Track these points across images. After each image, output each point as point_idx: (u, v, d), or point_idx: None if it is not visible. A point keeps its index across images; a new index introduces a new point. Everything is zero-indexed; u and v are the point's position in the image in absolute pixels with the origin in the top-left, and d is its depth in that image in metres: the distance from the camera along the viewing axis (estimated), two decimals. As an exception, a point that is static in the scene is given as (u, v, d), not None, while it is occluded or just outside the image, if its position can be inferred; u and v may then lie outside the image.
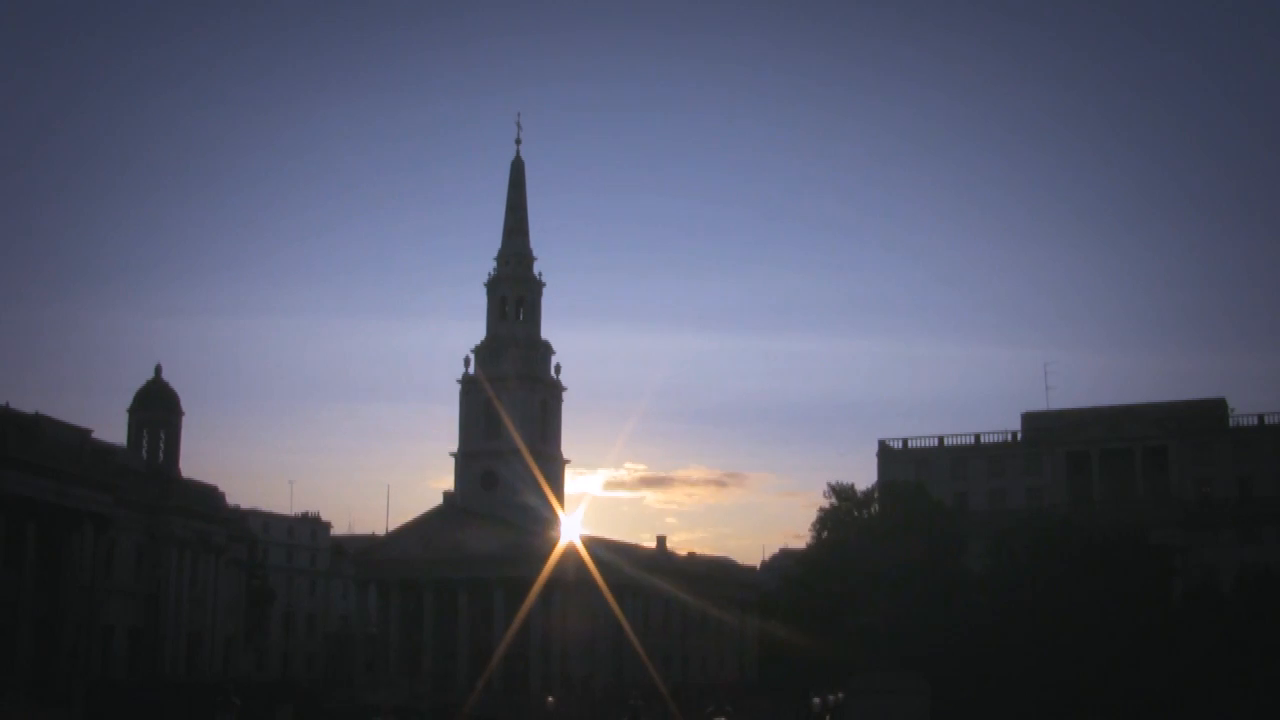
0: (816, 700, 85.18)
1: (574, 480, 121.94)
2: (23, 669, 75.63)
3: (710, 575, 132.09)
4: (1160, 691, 67.30)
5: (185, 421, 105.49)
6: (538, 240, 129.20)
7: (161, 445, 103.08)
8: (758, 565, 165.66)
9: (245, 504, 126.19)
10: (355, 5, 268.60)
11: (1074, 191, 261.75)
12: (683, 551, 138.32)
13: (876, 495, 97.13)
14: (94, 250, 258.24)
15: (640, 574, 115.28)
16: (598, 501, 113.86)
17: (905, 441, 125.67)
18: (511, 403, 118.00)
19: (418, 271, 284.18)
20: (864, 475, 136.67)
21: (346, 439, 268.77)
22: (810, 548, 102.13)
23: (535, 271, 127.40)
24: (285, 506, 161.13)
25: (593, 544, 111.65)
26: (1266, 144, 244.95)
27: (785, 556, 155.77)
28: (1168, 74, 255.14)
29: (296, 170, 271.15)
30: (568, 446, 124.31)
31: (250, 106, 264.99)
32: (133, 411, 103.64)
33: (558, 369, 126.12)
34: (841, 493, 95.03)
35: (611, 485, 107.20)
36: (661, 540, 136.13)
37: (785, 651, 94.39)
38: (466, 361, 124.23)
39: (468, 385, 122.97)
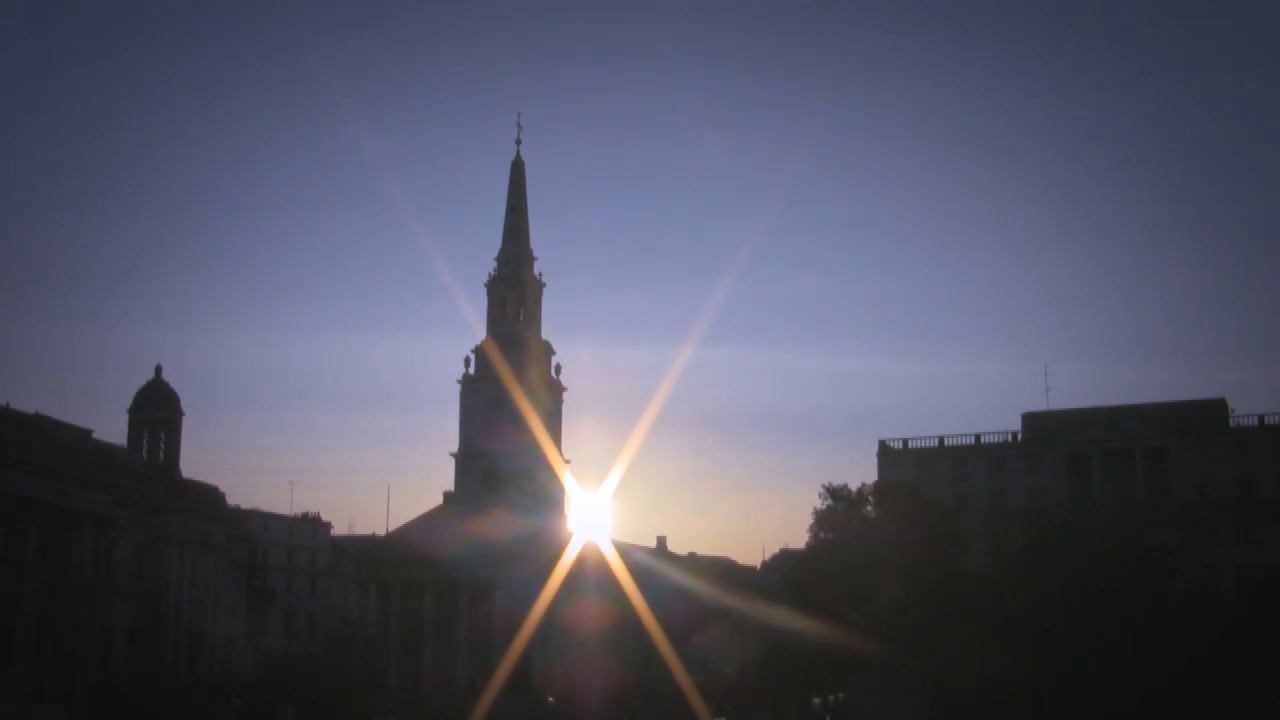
0: (817, 700, 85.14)
1: (574, 480, 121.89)
2: (23, 669, 75.67)
3: (710, 575, 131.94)
4: (1160, 691, 67.24)
5: (185, 422, 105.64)
6: (538, 240, 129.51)
7: (162, 445, 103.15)
8: (758, 565, 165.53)
9: (245, 504, 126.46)
10: (353, 6, 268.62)
11: (1075, 194, 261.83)
12: (683, 551, 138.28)
13: (871, 495, 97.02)
14: (95, 253, 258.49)
15: (641, 574, 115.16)
16: (598, 501, 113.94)
17: (905, 442, 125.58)
18: (511, 403, 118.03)
19: (417, 271, 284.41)
20: (865, 475, 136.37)
21: (347, 438, 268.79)
22: (808, 548, 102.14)
23: (535, 271, 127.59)
24: (285, 506, 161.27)
25: (594, 543, 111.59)
26: (1266, 145, 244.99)
27: (785, 556, 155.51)
28: (1166, 77, 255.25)
29: (295, 170, 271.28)
30: (568, 446, 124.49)
31: (249, 109, 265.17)
32: (133, 411, 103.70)
33: (558, 369, 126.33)
34: (837, 493, 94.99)
35: (611, 485, 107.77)
36: (662, 540, 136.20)
37: (785, 652, 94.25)
38: (467, 361, 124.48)
39: (468, 385, 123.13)
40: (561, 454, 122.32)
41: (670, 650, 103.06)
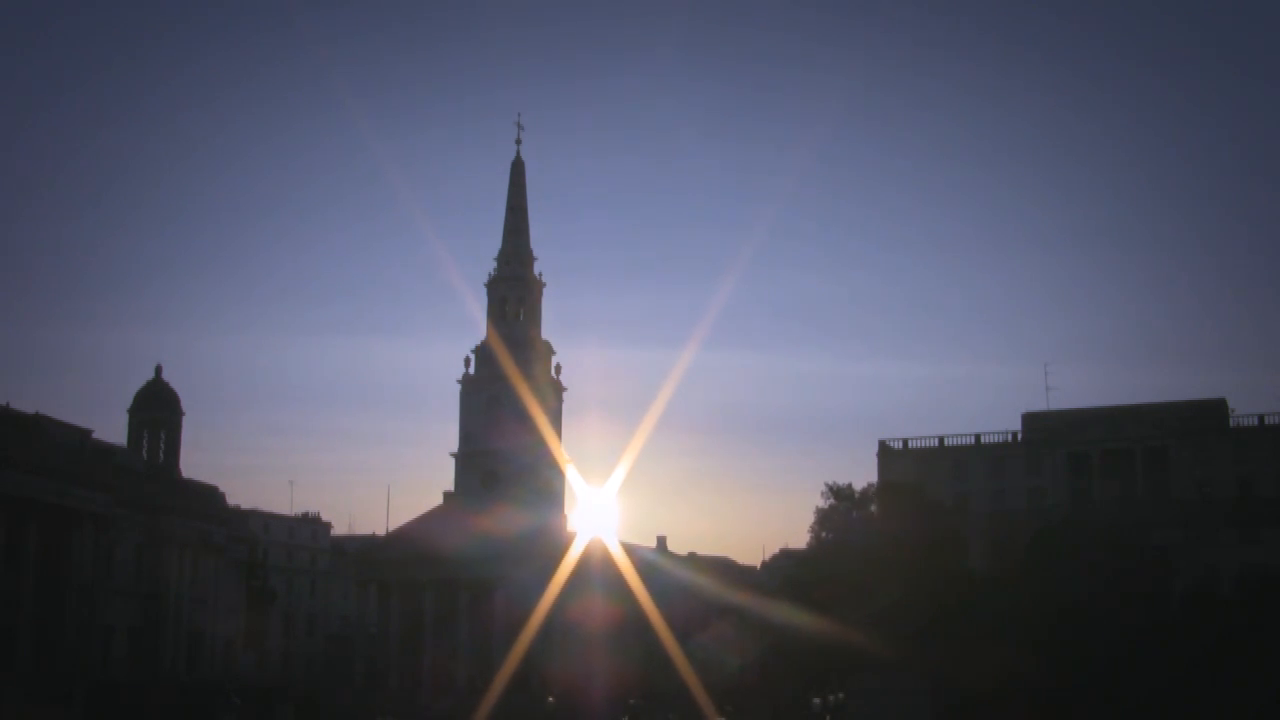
0: (817, 700, 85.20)
1: (575, 480, 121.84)
2: (23, 669, 75.72)
3: (710, 575, 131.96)
4: (1159, 692, 67.25)
5: (185, 421, 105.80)
6: (538, 241, 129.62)
7: (161, 445, 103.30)
8: (758, 565, 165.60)
9: (245, 504, 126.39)
10: (354, 7, 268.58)
11: (1074, 195, 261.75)
12: (683, 551, 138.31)
13: (874, 495, 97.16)
14: (96, 253, 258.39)
15: (642, 572, 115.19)
16: (598, 501, 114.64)
17: (905, 442, 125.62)
18: (512, 402, 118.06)
19: (417, 271, 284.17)
20: (865, 476, 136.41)
21: (347, 438, 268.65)
22: (809, 548, 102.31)
23: (535, 271, 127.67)
24: (285, 506, 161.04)
25: (595, 543, 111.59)
26: (1266, 144, 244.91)
27: (785, 556, 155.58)
28: (1166, 78, 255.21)
29: (295, 171, 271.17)
30: (568, 447, 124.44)
31: (249, 110, 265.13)
32: (133, 411, 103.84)
33: (558, 369, 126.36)
34: (839, 493, 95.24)
35: (612, 485, 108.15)
36: (662, 540, 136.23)
37: (786, 651, 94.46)
38: (467, 361, 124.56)
39: (468, 384, 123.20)
40: (562, 453, 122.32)
41: (672, 649, 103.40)
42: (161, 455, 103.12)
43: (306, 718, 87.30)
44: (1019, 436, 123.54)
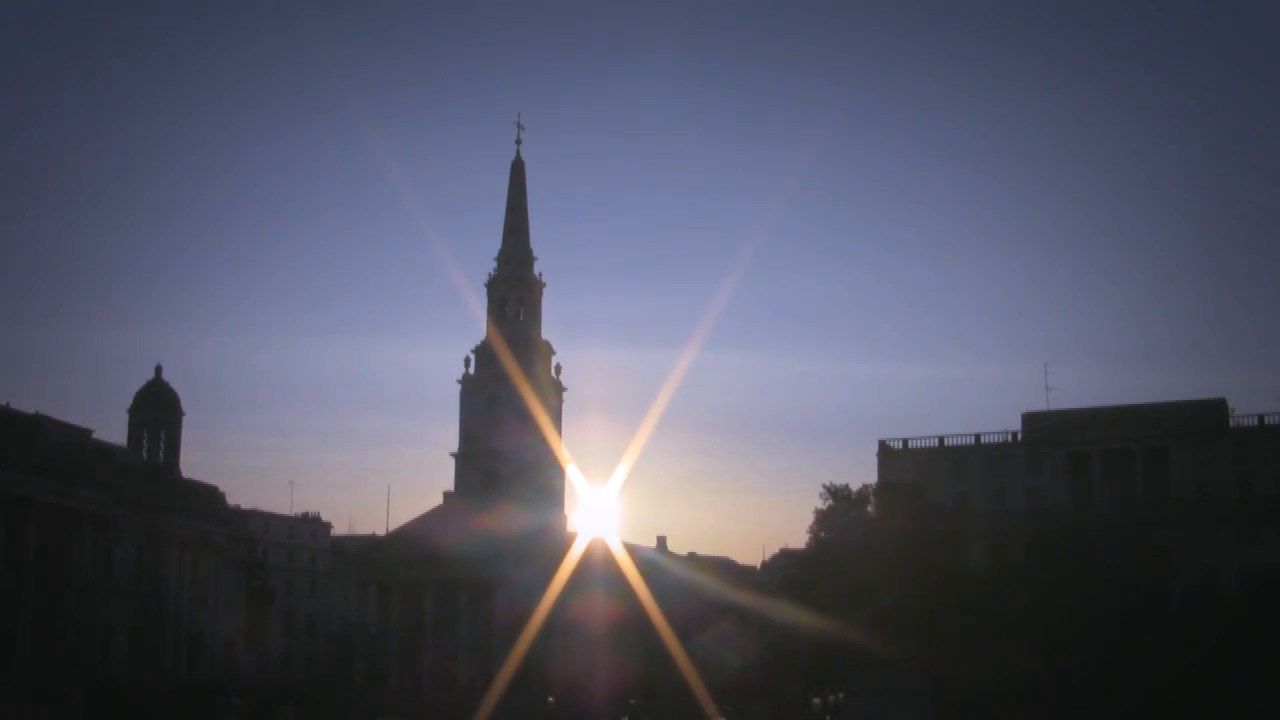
0: (817, 700, 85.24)
1: (575, 479, 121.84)
2: (23, 669, 75.73)
3: (710, 575, 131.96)
4: (1160, 691, 67.29)
5: (185, 422, 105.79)
6: (538, 241, 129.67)
7: (161, 445, 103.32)
8: (758, 565, 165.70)
9: (245, 504, 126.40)
10: (355, 7, 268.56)
11: (1074, 195, 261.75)
12: (683, 551, 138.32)
13: (872, 495, 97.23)
14: (96, 254, 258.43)
15: (643, 573, 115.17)
16: (599, 501, 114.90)
17: (905, 442, 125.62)
18: (512, 402, 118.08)
19: (417, 271, 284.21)
20: (865, 476, 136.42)
21: (347, 438, 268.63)
22: (809, 548, 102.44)
23: (535, 271, 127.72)
24: (285, 506, 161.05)
25: (595, 543, 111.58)
26: (1266, 144, 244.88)
27: (785, 556, 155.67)
28: (1165, 77, 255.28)
29: (295, 171, 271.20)
30: (568, 446, 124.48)
31: (249, 111, 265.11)
32: (133, 411, 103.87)
33: (558, 369, 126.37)
34: (837, 493, 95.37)
35: (613, 485, 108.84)
36: (662, 540, 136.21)
37: (787, 650, 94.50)
38: (467, 361, 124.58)
39: (469, 384, 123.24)
40: (562, 453, 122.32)
41: (673, 648, 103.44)
42: (161, 455, 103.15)
43: (306, 718, 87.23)
44: (1019, 436, 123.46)
